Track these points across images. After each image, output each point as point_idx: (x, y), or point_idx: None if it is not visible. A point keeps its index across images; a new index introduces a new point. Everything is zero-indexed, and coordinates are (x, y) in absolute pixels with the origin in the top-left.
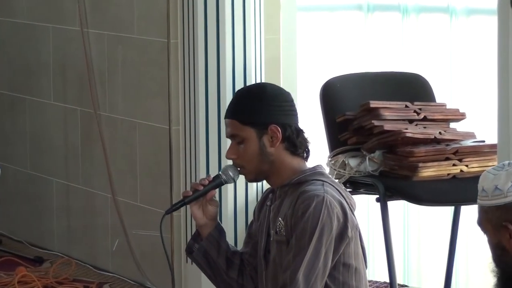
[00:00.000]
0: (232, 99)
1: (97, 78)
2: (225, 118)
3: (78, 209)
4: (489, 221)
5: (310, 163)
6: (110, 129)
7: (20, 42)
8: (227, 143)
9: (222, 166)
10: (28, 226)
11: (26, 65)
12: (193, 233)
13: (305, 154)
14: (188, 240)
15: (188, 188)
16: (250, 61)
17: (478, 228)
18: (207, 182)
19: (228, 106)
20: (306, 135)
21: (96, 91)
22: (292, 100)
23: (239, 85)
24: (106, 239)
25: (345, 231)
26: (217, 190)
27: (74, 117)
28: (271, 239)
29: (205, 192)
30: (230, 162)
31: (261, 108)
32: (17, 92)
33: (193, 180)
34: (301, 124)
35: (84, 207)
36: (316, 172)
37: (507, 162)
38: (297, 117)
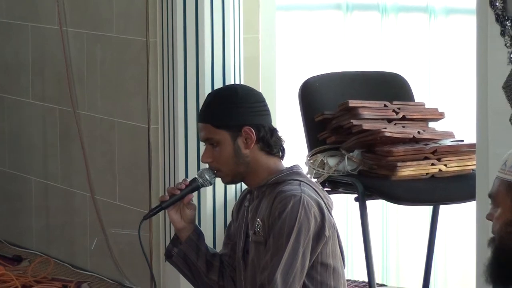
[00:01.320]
0: (204, 102)
1: (76, 77)
2: (198, 122)
3: (56, 208)
4: (509, 195)
5: (287, 163)
6: (88, 128)
7: (1, 42)
8: (202, 145)
9: (201, 164)
10: (7, 225)
11: (4, 64)
12: (171, 237)
13: (280, 153)
14: (166, 239)
15: (166, 192)
16: (229, 60)
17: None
18: (183, 186)
19: (200, 110)
20: (280, 134)
21: (75, 89)
22: (264, 100)
23: (218, 84)
24: (84, 238)
25: (323, 230)
26: (195, 192)
27: (53, 115)
28: (250, 239)
29: (182, 196)
30: (206, 165)
31: (233, 111)
32: None
33: (171, 179)
34: (279, 124)
35: (62, 206)
36: (293, 172)
37: None
38: (269, 117)
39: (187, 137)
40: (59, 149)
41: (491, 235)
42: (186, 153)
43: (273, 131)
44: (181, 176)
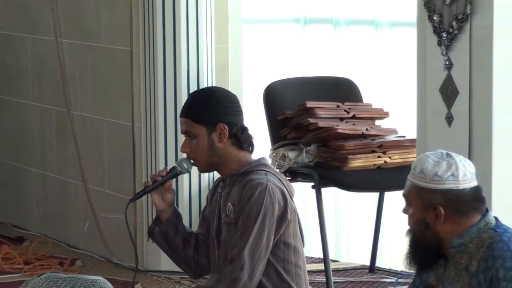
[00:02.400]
0: (186, 100)
1: (70, 82)
2: (180, 116)
3: (53, 195)
4: (421, 199)
5: (255, 156)
6: (81, 126)
7: (2, 50)
8: (182, 137)
9: (178, 158)
10: (10, 210)
11: (6, 70)
12: (153, 217)
13: (250, 148)
14: (149, 221)
15: (149, 179)
16: (202, 67)
17: (400, 208)
18: (164, 173)
19: (183, 106)
20: (250, 131)
21: (69, 93)
22: (238, 102)
23: (193, 88)
24: (78, 221)
25: (285, 214)
26: (174, 180)
27: (50, 115)
28: (222, 221)
29: (163, 182)
30: (184, 155)
31: (210, 109)
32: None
33: (153, 170)
34: (246, 122)
35: (58, 193)
36: (260, 163)
37: (444, 151)
38: (242, 117)
39: (166, 133)
40: (56, 145)
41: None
42: (166, 147)
43: (244, 129)
44: (161, 167)
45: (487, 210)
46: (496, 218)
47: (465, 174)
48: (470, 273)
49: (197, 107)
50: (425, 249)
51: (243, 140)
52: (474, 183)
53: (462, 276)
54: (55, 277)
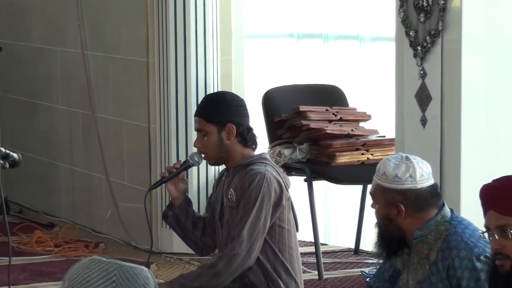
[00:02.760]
0: (201, 101)
1: (94, 88)
2: (194, 116)
3: (80, 187)
4: (384, 197)
5: (257, 152)
6: (104, 127)
7: (36, 61)
8: (192, 136)
9: (188, 154)
10: (42, 200)
11: (40, 79)
12: (167, 204)
13: (254, 146)
14: (162, 208)
15: (165, 170)
16: (209, 76)
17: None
18: (178, 165)
19: (197, 107)
20: (254, 131)
21: (93, 98)
22: (245, 105)
23: (201, 94)
24: (101, 209)
25: (280, 200)
26: (186, 171)
27: (77, 118)
28: (225, 205)
29: (177, 173)
30: (195, 149)
31: (221, 111)
32: (33, 99)
33: (166, 165)
34: (251, 123)
35: (84, 185)
36: (261, 157)
37: (404, 155)
38: (248, 118)
39: (178, 133)
40: (82, 143)
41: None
42: (177, 145)
43: (250, 129)
44: (173, 162)
45: (443, 204)
46: (451, 210)
47: (422, 175)
48: (430, 262)
49: (209, 109)
50: (390, 240)
51: (248, 138)
52: (430, 181)
53: (424, 264)
54: (98, 260)
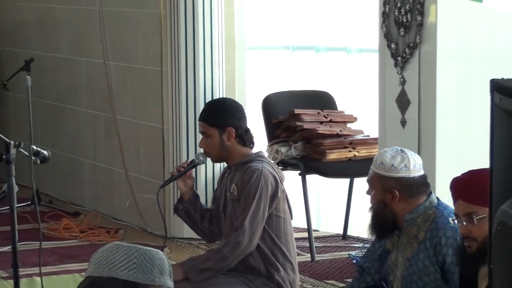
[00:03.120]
0: (204, 107)
1: (115, 94)
2: (198, 120)
3: (102, 180)
4: (381, 184)
5: (255, 150)
6: (123, 127)
7: (63, 70)
8: (200, 136)
9: (196, 152)
10: (69, 191)
11: (66, 86)
12: (178, 198)
13: (251, 145)
14: (174, 201)
15: (174, 169)
16: (215, 83)
17: (365, 191)
18: (186, 165)
19: (201, 112)
20: (252, 132)
21: (114, 102)
22: (242, 110)
23: (208, 99)
24: (120, 200)
25: (276, 193)
26: (193, 169)
27: (99, 119)
28: (228, 199)
29: (185, 171)
30: (201, 150)
31: (221, 116)
32: (61, 103)
33: (178, 162)
34: (249, 124)
35: (106, 179)
36: (258, 155)
37: (399, 148)
38: (245, 121)
39: (188, 133)
40: (103, 141)
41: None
42: (187, 143)
43: (247, 131)
44: (184, 159)
45: (430, 192)
46: (437, 198)
47: (415, 166)
48: (419, 241)
49: (211, 114)
50: (383, 222)
51: (246, 139)
52: (421, 172)
53: (413, 243)
54: (119, 245)
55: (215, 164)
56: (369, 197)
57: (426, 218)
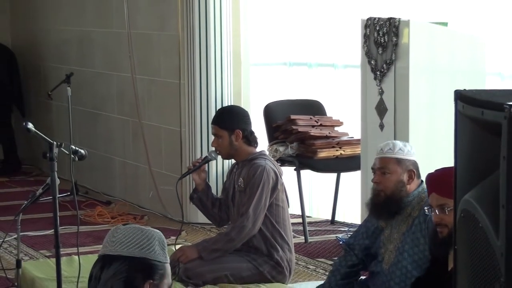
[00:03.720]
0: (216, 113)
1: (140, 103)
2: (211, 123)
3: (130, 174)
4: (401, 166)
5: (258, 149)
6: (148, 130)
7: (97, 82)
8: (212, 137)
9: (209, 150)
10: (102, 184)
11: (100, 96)
12: (193, 188)
13: (255, 145)
14: (189, 191)
15: (190, 164)
16: (225, 93)
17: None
18: (200, 160)
19: (213, 117)
20: (256, 134)
21: (140, 109)
22: (248, 115)
23: (219, 106)
24: (145, 191)
25: (276, 186)
26: (206, 164)
27: (128, 124)
28: (236, 190)
29: (199, 166)
30: (213, 148)
31: (230, 120)
32: (95, 110)
33: (193, 158)
34: (254, 128)
35: (133, 173)
36: (261, 154)
37: (396, 140)
38: (251, 125)
39: (202, 135)
40: (131, 142)
41: (377, 189)
42: (201, 143)
43: (252, 133)
44: (198, 156)
45: (422, 181)
46: None
47: (414, 153)
48: (413, 217)
49: (222, 118)
50: (397, 201)
51: (251, 140)
52: None
53: (407, 220)
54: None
55: (224, 160)
56: (370, 185)
57: (420, 200)
